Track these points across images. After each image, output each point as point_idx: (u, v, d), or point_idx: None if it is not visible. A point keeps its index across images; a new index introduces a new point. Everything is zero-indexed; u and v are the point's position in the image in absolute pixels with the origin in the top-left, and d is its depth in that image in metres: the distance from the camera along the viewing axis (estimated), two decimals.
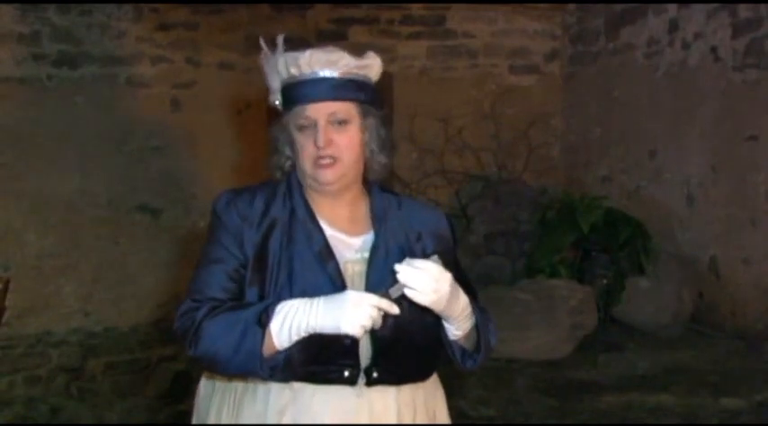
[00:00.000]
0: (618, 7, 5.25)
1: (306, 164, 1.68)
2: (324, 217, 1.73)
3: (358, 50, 1.74)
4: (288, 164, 1.74)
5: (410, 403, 1.72)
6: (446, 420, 1.85)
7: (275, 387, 1.66)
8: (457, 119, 5.61)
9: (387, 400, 1.68)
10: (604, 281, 4.48)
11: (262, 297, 1.65)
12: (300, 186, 1.75)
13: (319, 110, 1.66)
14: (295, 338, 1.56)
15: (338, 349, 1.62)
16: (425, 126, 5.40)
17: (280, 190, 1.75)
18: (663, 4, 4.83)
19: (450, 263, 1.69)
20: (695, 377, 3.80)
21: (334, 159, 1.66)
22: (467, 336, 1.72)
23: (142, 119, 5.10)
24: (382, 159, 1.75)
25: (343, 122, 1.67)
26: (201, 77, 5.25)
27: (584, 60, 5.65)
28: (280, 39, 1.71)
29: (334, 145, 1.66)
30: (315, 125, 1.66)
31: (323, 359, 1.63)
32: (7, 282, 3.36)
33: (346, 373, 1.64)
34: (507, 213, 5.41)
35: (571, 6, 5.74)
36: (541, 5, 5.74)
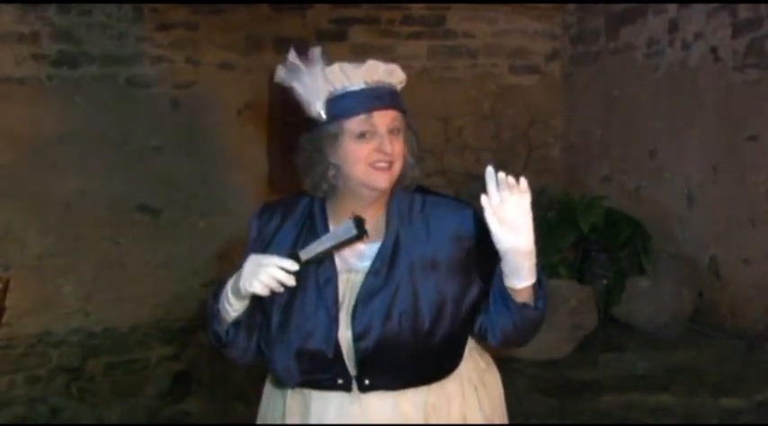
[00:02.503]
0: (618, 7, 5.25)
1: (359, 168, 1.69)
2: None
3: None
4: (333, 173, 1.73)
5: (419, 404, 1.73)
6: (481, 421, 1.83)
7: (290, 393, 1.80)
8: (457, 119, 5.61)
9: (384, 405, 1.71)
10: (604, 281, 4.48)
11: (265, 305, 1.75)
12: (323, 204, 1.78)
13: (384, 118, 1.69)
14: (227, 306, 1.69)
15: (323, 359, 1.70)
16: (425, 126, 5.40)
17: (301, 205, 1.81)
18: (663, 3, 4.83)
19: (470, 265, 1.74)
20: (695, 377, 3.80)
21: (390, 165, 1.69)
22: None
23: (142, 119, 5.10)
24: (416, 173, 1.79)
25: (397, 131, 1.71)
26: (201, 77, 5.24)
27: (585, 60, 5.65)
28: (317, 52, 1.72)
29: (394, 151, 1.70)
30: (375, 133, 1.68)
31: (317, 369, 1.71)
32: (7, 282, 3.37)
33: (339, 381, 1.72)
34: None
35: (571, 6, 5.74)
36: (541, 5, 5.74)
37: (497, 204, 1.60)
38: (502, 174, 1.61)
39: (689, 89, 4.64)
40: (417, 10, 5.62)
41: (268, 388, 1.91)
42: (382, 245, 1.73)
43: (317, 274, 1.72)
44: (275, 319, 1.73)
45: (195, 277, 4.98)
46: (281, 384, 1.81)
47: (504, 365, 3.87)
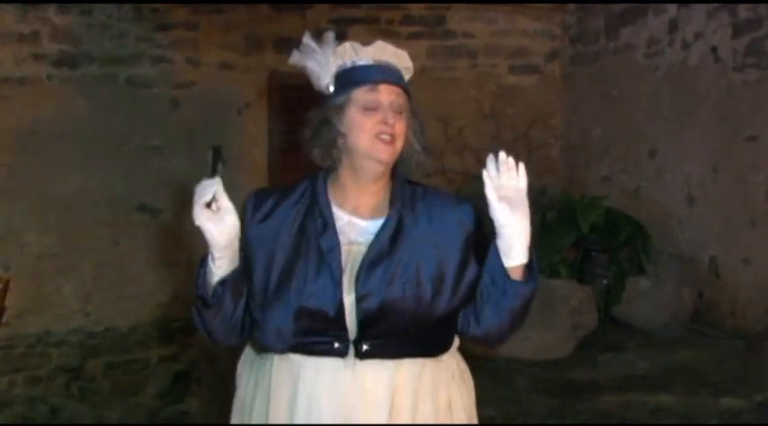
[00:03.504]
0: (618, 7, 5.25)
1: (364, 139, 1.74)
2: (348, 207, 1.79)
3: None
4: (342, 141, 1.76)
5: (411, 380, 1.73)
6: (463, 417, 1.83)
7: (277, 359, 1.76)
8: (457, 119, 5.61)
9: (379, 375, 1.71)
10: (604, 281, 4.48)
11: (260, 271, 1.76)
12: (325, 181, 1.81)
13: (388, 93, 1.75)
14: (212, 264, 1.68)
15: (323, 319, 1.70)
16: (425, 126, 5.39)
17: (301, 187, 1.83)
18: (663, 3, 4.83)
19: (469, 248, 1.77)
20: (695, 377, 3.80)
21: (393, 138, 1.74)
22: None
23: (142, 119, 5.10)
24: (422, 158, 1.83)
25: (400, 111, 1.76)
26: (201, 77, 5.25)
27: (585, 60, 5.65)
28: (331, 35, 1.79)
29: (396, 127, 1.75)
30: (379, 106, 1.74)
31: (314, 330, 1.70)
32: (7, 282, 3.36)
33: (336, 345, 1.71)
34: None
35: (571, 6, 5.74)
36: (541, 5, 5.74)
37: (497, 185, 1.70)
38: (503, 154, 1.69)
39: (689, 89, 4.64)
40: (417, 10, 5.62)
41: (248, 361, 1.87)
42: (386, 221, 1.77)
43: (319, 243, 1.74)
44: (273, 281, 1.74)
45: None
46: (266, 350, 1.78)
47: (504, 365, 3.89)
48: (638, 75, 5.07)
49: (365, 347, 1.70)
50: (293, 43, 1.80)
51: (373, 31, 5.48)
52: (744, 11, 4.24)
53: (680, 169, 4.73)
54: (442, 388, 1.79)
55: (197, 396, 4.97)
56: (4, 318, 3.43)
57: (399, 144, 1.76)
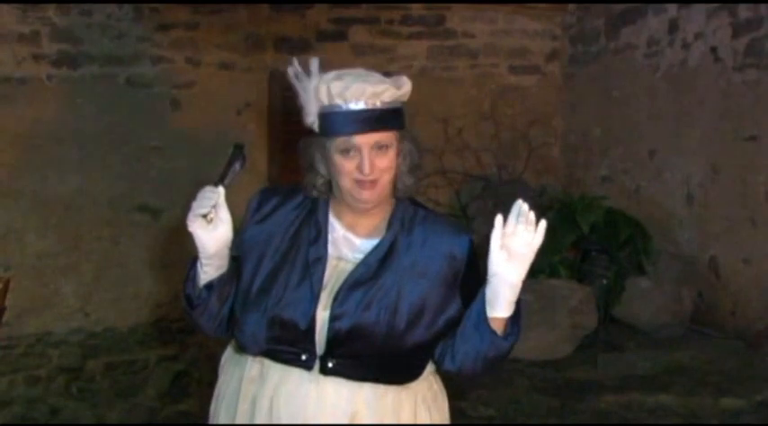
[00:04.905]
0: (618, 7, 5.25)
1: (346, 182, 1.73)
2: (345, 222, 1.80)
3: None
4: (321, 182, 1.78)
5: (372, 401, 1.75)
6: None
7: (250, 360, 1.81)
8: (457, 119, 5.61)
9: (340, 393, 1.73)
10: (604, 281, 4.48)
11: (247, 272, 1.79)
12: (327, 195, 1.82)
13: (365, 140, 1.70)
14: (199, 268, 1.73)
15: (294, 330, 1.72)
16: (425, 126, 5.38)
17: (302, 194, 1.84)
18: (663, 3, 4.83)
19: (455, 284, 1.77)
20: (695, 377, 3.80)
21: (375, 181, 1.72)
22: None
23: (142, 119, 5.10)
24: (408, 180, 1.80)
25: (384, 147, 1.72)
26: (201, 77, 5.25)
27: (585, 60, 5.65)
28: (315, 64, 1.74)
29: (376, 168, 1.72)
30: (358, 151, 1.70)
31: (285, 339, 1.73)
32: (7, 282, 3.36)
33: (303, 357, 1.73)
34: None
35: (571, 6, 5.74)
36: (541, 5, 5.74)
37: (509, 232, 1.67)
38: (525, 207, 1.68)
39: (689, 89, 4.64)
40: (417, 10, 5.62)
41: (228, 358, 1.91)
42: (380, 243, 1.77)
43: (308, 253, 1.76)
44: (256, 285, 1.76)
45: None
46: (242, 350, 1.82)
47: (505, 365, 3.88)
48: (638, 75, 5.07)
49: (330, 364, 1.72)
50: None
51: (373, 31, 5.48)
52: (744, 11, 4.24)
53: (680, 169, 4.73)
54: (406, 412, 1.79)
55: (197, 396, 4.97)
56: (4, 318, 3.42)
57: (385, 179, 1.74)
